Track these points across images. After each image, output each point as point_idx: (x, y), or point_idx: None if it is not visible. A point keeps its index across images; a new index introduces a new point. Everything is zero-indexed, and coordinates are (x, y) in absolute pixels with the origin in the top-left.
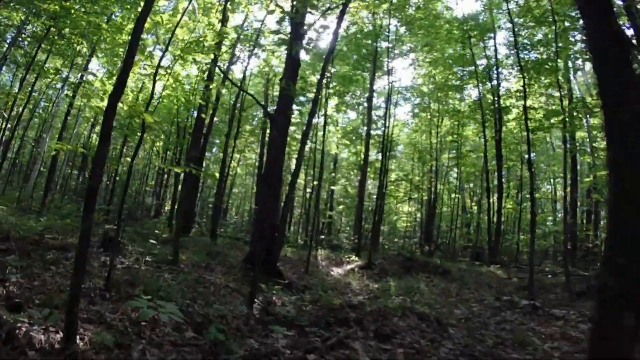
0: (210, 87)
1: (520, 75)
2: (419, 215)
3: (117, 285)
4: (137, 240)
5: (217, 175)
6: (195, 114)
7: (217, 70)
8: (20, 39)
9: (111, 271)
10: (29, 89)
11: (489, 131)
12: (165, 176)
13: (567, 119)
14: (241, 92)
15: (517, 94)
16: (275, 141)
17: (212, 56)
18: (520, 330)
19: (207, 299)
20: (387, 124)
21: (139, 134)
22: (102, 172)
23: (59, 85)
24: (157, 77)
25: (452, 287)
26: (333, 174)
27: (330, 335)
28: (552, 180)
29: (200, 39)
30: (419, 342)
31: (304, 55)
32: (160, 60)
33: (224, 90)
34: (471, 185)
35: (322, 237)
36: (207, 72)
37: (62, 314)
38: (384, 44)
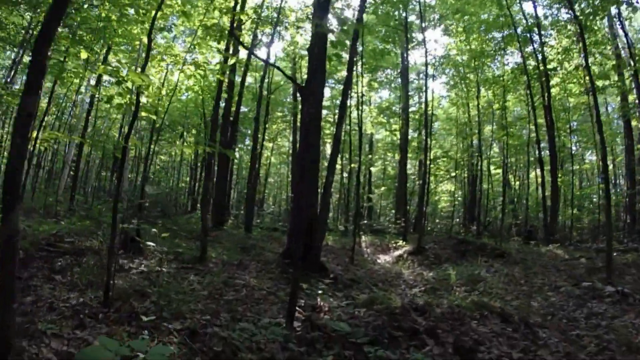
0: (230, 60)
1: (566, 32)
2: (459, 193)
3: (124, 297)
4: (167, 237)
5: (235, 155)
6: (222, 103)
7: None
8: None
9: (110, 281)
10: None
11: (535, 98)
12: (199, 171)
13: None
14: (267, 73)
15: (560, 56)
16: (308, 118)
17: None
18: (620, 327)
19: (234, 310)
20: (427, 97)
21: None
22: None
23: (82, 89)
24: (176, 66)
25: (516, 272)
26: (370, 156)
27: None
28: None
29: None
30: (510, 355)
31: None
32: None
33: (250, 79)
34: (512, 159)
35: (364, 221)
36: (226, 55)
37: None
38: (412, 18)
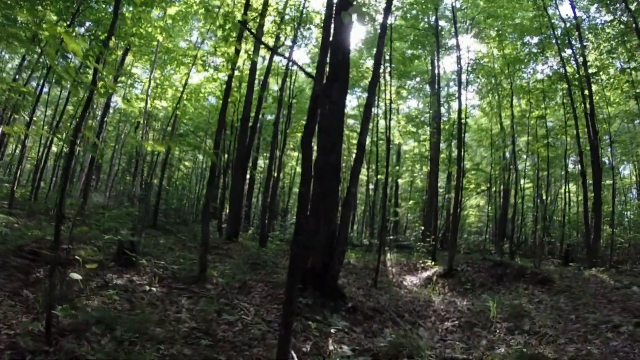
0: (241, 51)
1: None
2: (489, 208)
3: (81, 329)
4: (174, 249)
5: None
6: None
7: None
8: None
9: (52, 311)
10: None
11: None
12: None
13: None
14: (288, 75)
15: (603, 59)
16: (328, 120)
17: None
18: None
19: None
20: (460, 104)
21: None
22: None
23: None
24: (197, 68)
25: (562, 304)
26: (397, 167)
27: None
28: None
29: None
30: None
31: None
32: None
33: (274, 86)
34: (544, 173)
35: (389, 237)
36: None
37: None
38: (442, 22)
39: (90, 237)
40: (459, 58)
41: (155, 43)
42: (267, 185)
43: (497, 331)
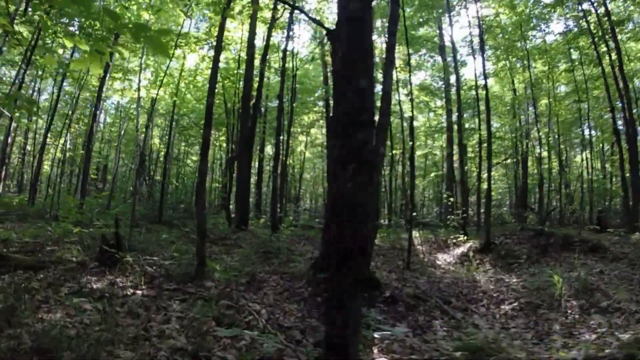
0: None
1: None
2: (506, 179)
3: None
4: (177, 242)
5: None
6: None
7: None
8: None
9: None
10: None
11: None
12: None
13: None
14: (290, 37)
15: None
16: (341, 66)
17: None
18: None
19: None
20: (484, 64)
21: None
22: None
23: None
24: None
25: (626, 273)
26: (410, 142)
27: None
28: None
29: None
30: None
31: None
32: None
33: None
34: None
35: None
36: None
37: None
38: None
39: (83, 238)
40: (478, 13)
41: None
42: (276, 165)
43: (569, 312)
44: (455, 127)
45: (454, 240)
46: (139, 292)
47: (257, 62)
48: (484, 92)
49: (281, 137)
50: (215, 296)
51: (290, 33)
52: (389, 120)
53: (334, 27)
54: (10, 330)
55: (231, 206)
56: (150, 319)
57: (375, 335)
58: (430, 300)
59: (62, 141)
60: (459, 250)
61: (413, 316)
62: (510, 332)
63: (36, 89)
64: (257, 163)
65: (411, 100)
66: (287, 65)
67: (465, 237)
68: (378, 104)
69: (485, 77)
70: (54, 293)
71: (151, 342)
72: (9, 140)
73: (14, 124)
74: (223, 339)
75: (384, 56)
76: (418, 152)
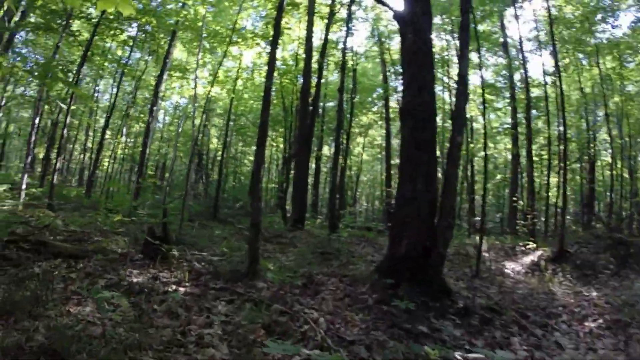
0: None
1: None
2: (572, 184)
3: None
4: (230, 239)
5: None
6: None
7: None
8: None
9: None
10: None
11: None
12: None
13: None
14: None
15: None
16: (412, 54)
17: None
18: None
19: None
20: (556, 60)
21: None
22: None
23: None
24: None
25: None
26: (471, 144)
27: None
28: None
29: None
30: None
31: None
32: None
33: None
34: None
35: (476, 218)
36: None
37: None
38: None
39: (130, 229)
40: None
41: (200, 24)
42: (335, 162)
43: None
44: (520, 128)
45: (523, 248)
46: (181, 289)
47: (314, 60)
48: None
49: (341, 131)
50: (266, 299)
51: (350, 25)
52: (466, 105)
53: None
54: (27, 322)
55: (287, 206)
56: (190, 321)
57: (457, 356)
58: (506, 314)
59: (122, 138)
60: (528, 259)
61: (489, 331)
62: (598, 355)
63: (97, 89)
64: (314, 163)
65: (483, 92)
66: (346, 60)
67: (535, 245)
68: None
69: (559, 70)
70: (90, 284)
71: (187, 349)
72: (64, 132)
73: (69, 119)
74: (273, 354)
75: (445, 54)
76: (481, 154)
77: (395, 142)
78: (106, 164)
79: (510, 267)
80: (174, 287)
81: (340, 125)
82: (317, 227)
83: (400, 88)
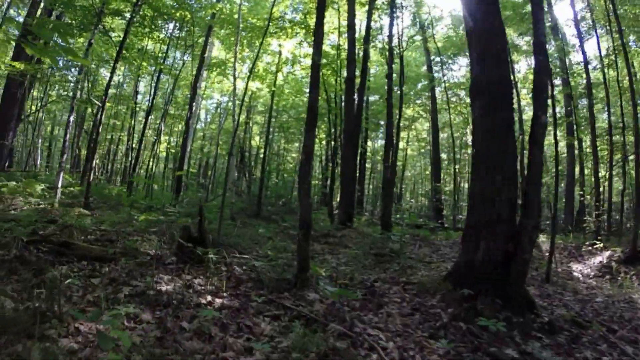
0: None
1: None
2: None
3: None
4: (275, 239)
5: None
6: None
7: None
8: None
9: None
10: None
11: None
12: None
13: None
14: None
15: None
16: (486, 19)
17: None
18: None
19: None
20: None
21: None
22: None
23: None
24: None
25: None
26: (520, 136)
27: None
28: None
29: None
30: None
31: None
32: None
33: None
34: None
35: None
36: None
37: None
38: None
39: (166, 228)
40: None
41: (236, 16)
42: (387, 155)
43: None
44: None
45: (589, 248)
46: (218, 300)
47: (358, 48)
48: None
49: (392, 121)
50: (320, 315)
51: (393, 9)
52: (550, 78)
53: None
54: (20, 347)
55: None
56: (226, 345)
57: None
58: (592, 328)
59: (162, 137)
60: (595, 260)
61: (579, 351)
62: None
63: (138, 90)
64: (358, 158)
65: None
66: (392, 45)
67: (602, 244)
68: None
69: (625, 48)
70: (112, 292)
71: None
72: (98, 130)
73: (107, 119)
74: None
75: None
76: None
77: (443, 136)
78: (147, 162)
79: (577, 269)
80: (208, 297)
81: (390, 115)
82: (365, 225)
83: (451, 74)
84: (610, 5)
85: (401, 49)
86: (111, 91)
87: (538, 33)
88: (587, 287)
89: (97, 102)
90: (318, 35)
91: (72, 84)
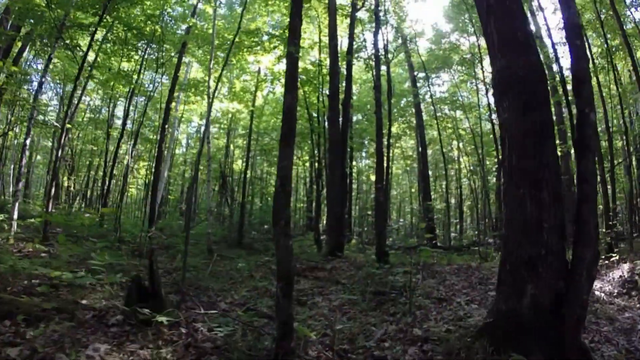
0: None
1: None
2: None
3: None
4: (256, 276)
5: None
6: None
7: None
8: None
9: None
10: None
11: None
12: (316, 186)
13: None
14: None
15: None
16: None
17: None
18: None
19: None
20: None
21: None
22: None
23: None
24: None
25: None
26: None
27: None
28: None
29: None
30: None
31: None
32: None
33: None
34: None
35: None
36: None
37: None
38: None
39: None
40: None
41: (210, 31)
42: (379, 175)
43: None
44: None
45: (606, 262)
46: None
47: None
48: None
49: (382, 134)
50: None
51: (379, 15)
52: (588, 66)
53: None
54: None
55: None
56: None
57: None
58: None
59: (143, 163)
60: (615, 275)
61: None
62: None
63: (115, 114)
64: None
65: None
66: (379, 54)
67: (617, 257)
68: None
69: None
70: None
71: None
72: (59, 154)
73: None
74: None
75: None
76: None
77: (428, 152)
78: (128, 189)
79: (597, 286)
80: None
81: (380, 130)
82: (355, 251)
83: (435, 90)
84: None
85: (387, 59)
86: (88, 115)
87: (570, 13)
88: (618, 309)
89: (56, 125)
90: (295, 22)
91: (34, 106)
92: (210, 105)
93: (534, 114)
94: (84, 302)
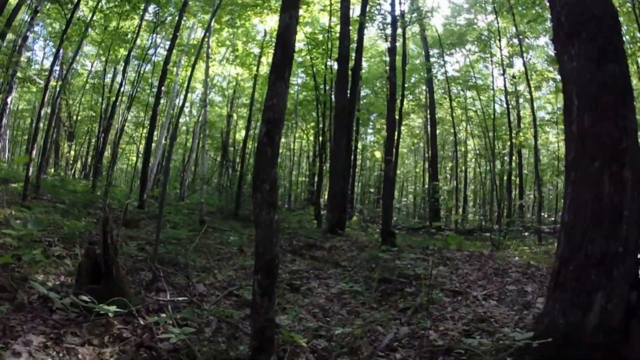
0: None
1: None
2: None
3: None
4: (247, 250)
5: None
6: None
7: None
8: None
9: None
10: None
11: None
12: (318, 160)
13: None
14: None
15: None
16: None
17: None
18: None
19: None
20: None
21: None
22: None
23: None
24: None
25: None
26: (521, 133)
27: None
28: None
29: None
30: None
31: None
32: None
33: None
34: None
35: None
36: None
37: None
38: None
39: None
40: None
41: None
42: (390, 147)
43: None
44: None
45: None
46: None
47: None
48: None
49: (395, 103)
50: None
51: None
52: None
53: None
54: None
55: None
56: None
57: None
58: None
59: (142, 131)
60: None
61: None
62: None
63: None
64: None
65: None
66: (395, 17)
67: None
68: None
69: None
70: None
71: None
72: (41, 113)
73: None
74: None
75: None
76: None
77: (438, 131)
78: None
79: None
80: None
81: (393, 96)
82: (357, 229)
83: (447, 69)
84: None
85: (404, 22)
86: (91, 82)
87: None
88: None
89: (39, 81)
90: None
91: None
92: (207, 65)
93: (611, 65)
94: (37, 279)
